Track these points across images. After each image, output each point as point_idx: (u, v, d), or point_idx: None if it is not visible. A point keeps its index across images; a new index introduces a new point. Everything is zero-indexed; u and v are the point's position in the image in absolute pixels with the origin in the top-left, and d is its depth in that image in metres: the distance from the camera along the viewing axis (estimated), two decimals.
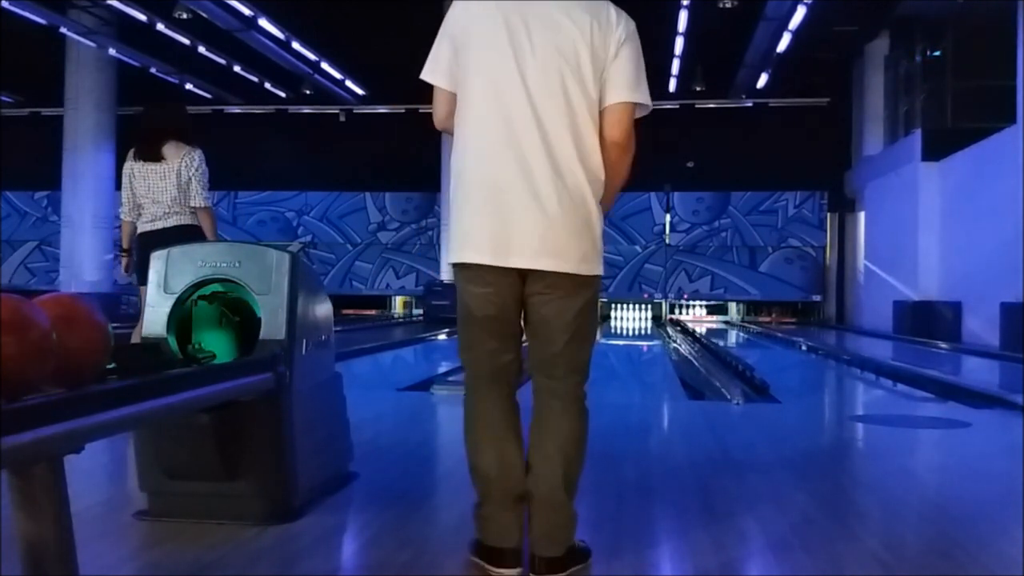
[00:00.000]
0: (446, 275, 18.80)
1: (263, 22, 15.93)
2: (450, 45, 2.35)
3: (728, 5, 14.80)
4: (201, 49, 17.45)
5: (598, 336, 2.53)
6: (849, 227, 20.73)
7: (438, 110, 2.41)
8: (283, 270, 2.96)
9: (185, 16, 15.62)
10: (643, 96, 2.35)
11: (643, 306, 21.97)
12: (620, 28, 2.31)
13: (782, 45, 16.39)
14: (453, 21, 2.36)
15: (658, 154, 21.28)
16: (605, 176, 2.34)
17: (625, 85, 2.30)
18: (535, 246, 2.22)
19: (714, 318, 22.21)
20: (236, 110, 22.53)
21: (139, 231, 5.06)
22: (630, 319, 21.71)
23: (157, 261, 3.03)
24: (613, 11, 2.33)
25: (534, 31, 2.25)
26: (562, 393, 2.40)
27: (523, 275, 2.28)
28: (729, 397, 6.64)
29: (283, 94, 21.10)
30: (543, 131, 2.22)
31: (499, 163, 2.24)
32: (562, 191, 2.23)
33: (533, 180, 2.22)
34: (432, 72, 2.38)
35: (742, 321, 21.41)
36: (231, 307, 3.01)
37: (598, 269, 2.34)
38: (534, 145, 2.22)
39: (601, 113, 2.32)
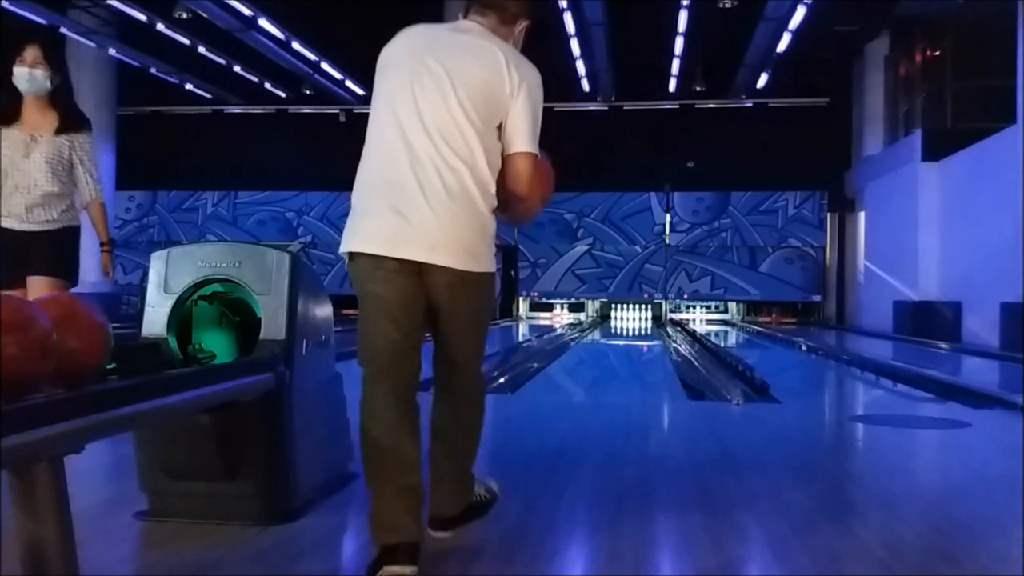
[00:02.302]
0: None
1: (263, 22, 15.92)
2: (383, 68, 2.56)
3: (728, 5, 14.80)
4: (201, 49, 17.44)
5: (491, 325, 2.83)
6: (849, 227, 20.72)
7: None
8: (283, 270, 2.96)
9: (185, 16, 15.61)
10: (536, 141, 2.53)
11: (643, 306, 21.96)
12: (522, 70, 2.50)
13: (782, 45, 16.38)
14: (384, 57, 2.56)
15: (658, 154, 21.33)
16: (513, 208, 2.56)
17: (524, 136, 2.48)
18: (428, 241, 2.37)
19: (714, 316, 22.20)
20: (236, 110, 22.53)
21: None
22: (630, 319, 21.71)
23: (157, 261, 3.03)
24: (514, 56, 2.53)
25: (435, 57, 2.47)
26: (462, 379, 2.61)
27: (419, 272, 2.41)
28: (729, 397, 6.63)
29: (283, 94, 21.09)
30: (433, 140, 2.40)
31: (394, 167, 2.41)
32: (452, 193, 2.39)
33: (424, 183, 2.38)
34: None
35: (742, 321, 21.40)
36: (231, 307, 3.01)
37: (490, 267, 2.51)
38: (425, 152, 2.40)
39: (505, 160, 2.50)
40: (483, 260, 2.47)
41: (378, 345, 2.45)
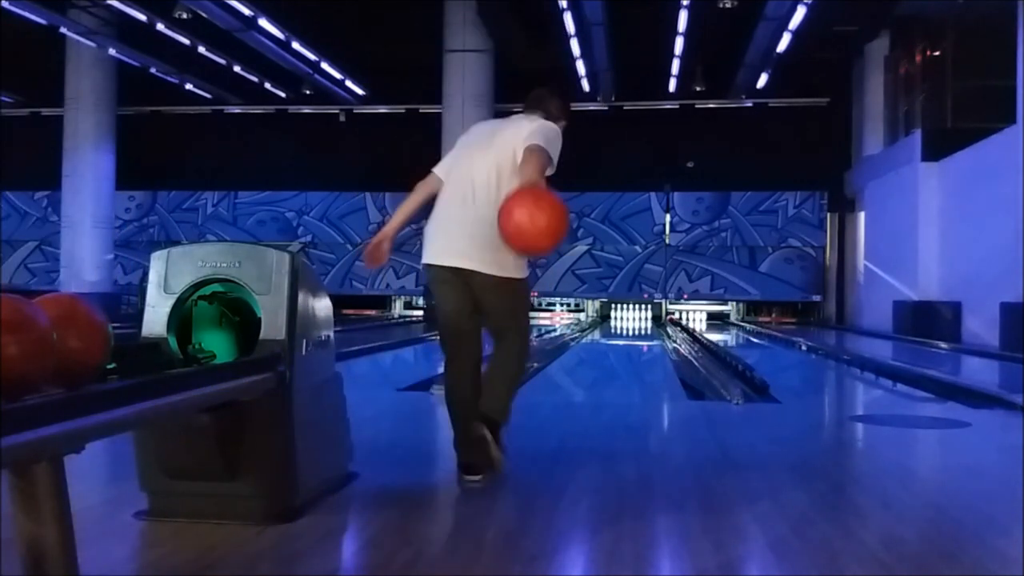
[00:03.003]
0: None
1: (263, 22, 15.91)
2: (455, 148, 3.78)
3: (728, 5, 14.79)
4: (201, 49, 17.44)
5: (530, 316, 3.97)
6: (849, 227, 20.71)
7: (426, 181, 3.76)
8: (283, 270, 2.96)
9: (185, 16, 15.60)
10: (547, 145, 3.44)
11: (643, 306, 21.95)
12: (538, 121, 3.60)
13: (782, 45, 16.37)
14: (458, 141, 3.81)
15: (658, 154, 21.33)
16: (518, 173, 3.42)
17: (531, 138, 3.45)
18: (464, 255, 3.48)
19: (714, 307, 22.14)
20: (236, 110, 22.52)
21: None
22: (630, 319, 21.70)
23: (157, 261, 3.03)
24: (539, 121, 3.61)
25: (487, 135, 3.66)
26: (502, 345, 3.64)
27: (466, 277, 3.49)
28: (729, 397, 6.63)
29: (283, 94, 21.08)
30: (475, 192, 3.51)
31: (450, 207, 3.58)
32: (483, 225, 3.39)
33: (464, 216, 3.50)
34: (439, 165, 3.77)
35: (742, 321, 21.39)
36: (231, 307, 3.01)
37: (513, 274, 3.51)
38: (468, 200, 3.51)
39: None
40: (506, 268, 3.48)
41: (443, 320, 3.65)
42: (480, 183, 3.46)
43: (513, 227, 3.13)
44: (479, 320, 3.60)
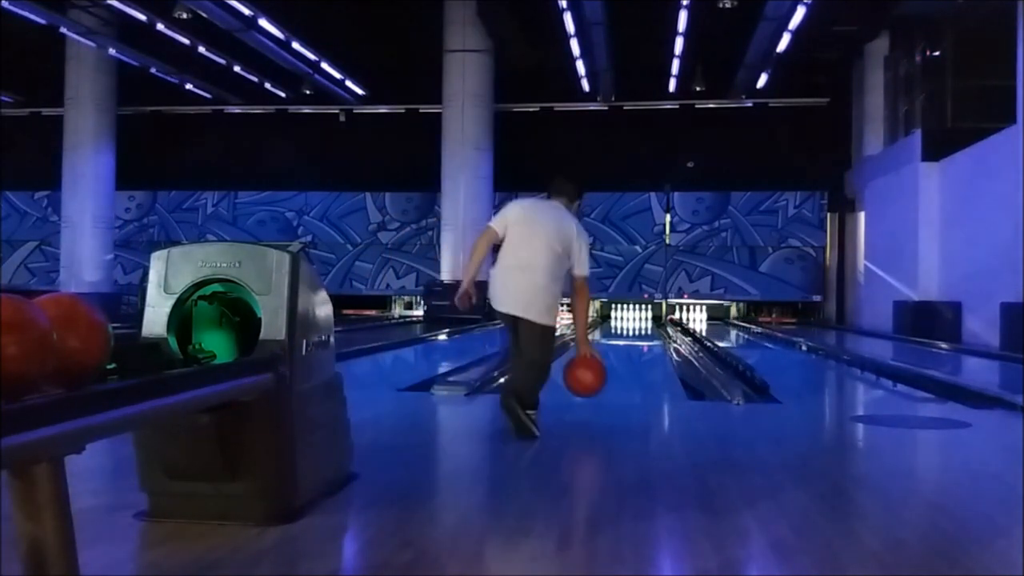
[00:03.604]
0: (446, 275, 18.78)
1: (263, 22, 15.92)
2: (510, 217, 4.93)
3: (728, 5, 14.79)
4: (201, 49, 17.44)
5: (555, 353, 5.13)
6: (849, 227, 20.70)
7: (486, 234, 4.99)
8: (283, 270, 2.96)
9: (185, 16, 15.61)
10: (587, 259, 5.00)
11: (643, 306, 21.95)
12: (575, 225, 4.96)
13: (782, 45, 16.38)
14: (511, 211, 4.98)
15: (658, 154, 21.33)
16: (574, 313, 5.15)
17: (581, 264, 4.94)
18: (519, 306, 4.80)
19: (713, 300, 22.11)
20: (236, 110, 22.52)
21: None
22: (630, 319, 21.70)
23: (157, 261, 3.03)
24: (572, 217, 5.02)
25: (539, 218, 4.92)
26: (529, 362, 4.82)
27: (517, 319, 4.80)
28: (729, 397, 6.63)
29: (283, 94, 21.09)
30: (531, 264, 4.79)
31: (511, 273, 4.85)
32: (534, 285, 4.79)
33: (519, 279, 4.81)
34: (496, 223, 4.97)
35: (742, 321, 21.38)
36: (231, 307, 3.00)
37: (547, 322, 4.82)
38: (529, 270, 4.78)
39: (572, 276, 4.96)
40: (545, 318, 4.78)
41: (510, 338, 5.00)
42: (532, 255, 4.81)
43: (582, 384, 5.03)
44: None
